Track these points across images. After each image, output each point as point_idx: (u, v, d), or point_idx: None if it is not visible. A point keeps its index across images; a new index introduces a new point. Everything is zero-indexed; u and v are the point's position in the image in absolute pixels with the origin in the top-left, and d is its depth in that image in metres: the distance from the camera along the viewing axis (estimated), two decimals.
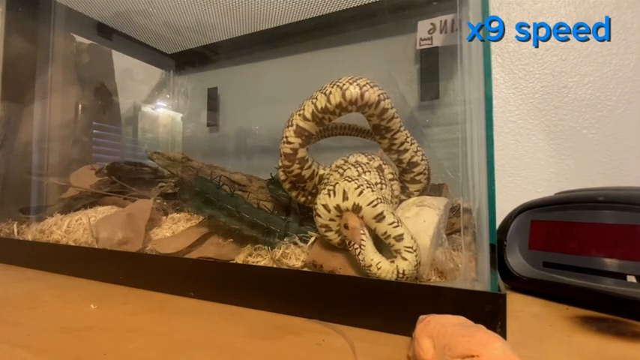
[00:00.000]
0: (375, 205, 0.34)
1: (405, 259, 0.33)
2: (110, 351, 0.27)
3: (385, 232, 0.34)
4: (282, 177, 0.44)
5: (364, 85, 0.38)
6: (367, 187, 0.35)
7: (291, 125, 0.40)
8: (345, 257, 0.38)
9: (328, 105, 0.38)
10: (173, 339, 0.30)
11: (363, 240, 0.34)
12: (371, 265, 0.33)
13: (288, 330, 0.31)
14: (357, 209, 0.35)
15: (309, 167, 0.43)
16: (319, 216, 0.38)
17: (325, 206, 0.37)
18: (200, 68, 1.00)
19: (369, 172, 0.41)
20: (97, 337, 0.30)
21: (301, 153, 0.41)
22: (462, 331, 0.23)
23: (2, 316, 0.35)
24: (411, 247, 0.33)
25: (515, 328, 0.30)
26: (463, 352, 0.21)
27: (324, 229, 0.38)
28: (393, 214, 0.34)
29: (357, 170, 0.41)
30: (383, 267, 0.33)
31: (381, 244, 0.35)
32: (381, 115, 0.40)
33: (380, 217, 0.34)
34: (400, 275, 0.33)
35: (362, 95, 0.37)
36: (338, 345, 0.28)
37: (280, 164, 0.42)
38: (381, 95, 0.38)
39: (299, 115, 0.40)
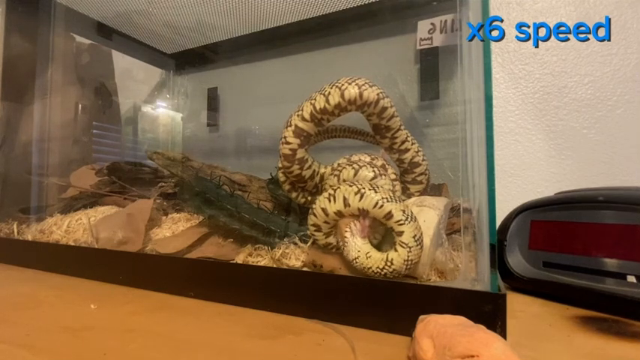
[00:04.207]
0: (382, 206, 0.34)
1: (396, 251, 0.33)
2: (110, 351, 0.27)
3: (392, 227, 0.34)
4: (282, 178, 0.44)
5: (363, 85, 0.38)
6: (369, 190, 0.35)
7: (290, 126, 0.40)
8: (344, 257, 0.38)
9: (327, 105, 0.38)
10: (173, 339, 0.30)
11: (346, 237, 0.35)
12: (358, 257, 0.34)
13: (288, 330, 0.31)
14: (364, 213, 0.35)
15: (310, 167, 0.43)
16: (315, 215, 0.38)
17: (324, 210, 0.37)
18: (200, 68, 1.00)
19: (384, 176, 0.40)
20: (97, 337, 0.30)
21: (300, 153, 0.41)
22: (462, 331, 0.23)
23: (2, 316, 0.35)
24: (407, 244, 0.33)
25: (515, 328, 0.30)
26: (463, 352, 0.21)
27: (314, 228, 0.38)
28: (403, 212, 0.34)
29: (374, 171, 0.40)
30: (373, 255, 0.34)
31: (388, 236, 0.36)
32: (380, 114, 0.40)
33: (389, 216, 0.34)
34: (388, 264, 0.33)
35: (361, 94, 0.38)
36: (338, 345, 0.28)
37: (280, 165, 0.42)
38: (380, 94, 0.39)
39: (297, 115, 0.40)
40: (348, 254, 0.35)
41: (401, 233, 0.33)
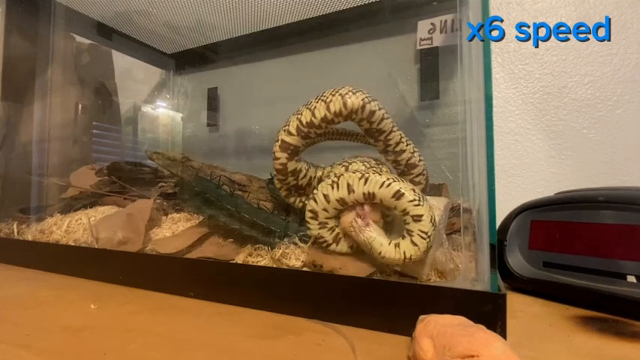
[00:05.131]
0: (389, 185, 0.33)
1: (415, 245, 0.32)
2: (110, 351, 0.27)
3: (404, 210, 0.33)
4: (278, 185, 0.44)
5: (346, 94, 0.38)
6: (373, 173, 0.34)
7: (277, 141, 0.40)
8: (345, 257, 0.38)
9: (313, 119, 0.39)
10: (173, 339, 0.30)
11: (353, 236, 0.35)
12: (371, 254, 0.34)
13: (288, 330, 0.31)
14: (370, 197, 0.34)
15: (305, 176, 0.43)
16: (315, 201, 0.37)
17: (326, 196, 0.36)
18: (200, 68, 1.00)
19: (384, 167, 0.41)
20: (97, 337, 0.30)
21: (291, 166, 0.41)
22: (462, 331, 0.23)
23: (2, 316, 0.35)
24: (426, 233, 0.32)
25: (515, 328, 0.30)
26: (463, 352, 0.21)
27: (310, 215, 0.38)
28: (414, 191, 0.33)
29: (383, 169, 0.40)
30: (387, 257, 0.33)
31: (393, 223, 0.36)
32: (369, 119, 0.40)
33: (398, 195, 0.33)
34: (407, 260, 0.33)
35: (344, 104, 0.37)
36: (338, 345, 0.28)
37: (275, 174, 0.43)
38: (366, 99, 0.38)
39: (284, 130, 0.40)
40: (364, 248, 0.35)
41: (419, 217, 0.32)
